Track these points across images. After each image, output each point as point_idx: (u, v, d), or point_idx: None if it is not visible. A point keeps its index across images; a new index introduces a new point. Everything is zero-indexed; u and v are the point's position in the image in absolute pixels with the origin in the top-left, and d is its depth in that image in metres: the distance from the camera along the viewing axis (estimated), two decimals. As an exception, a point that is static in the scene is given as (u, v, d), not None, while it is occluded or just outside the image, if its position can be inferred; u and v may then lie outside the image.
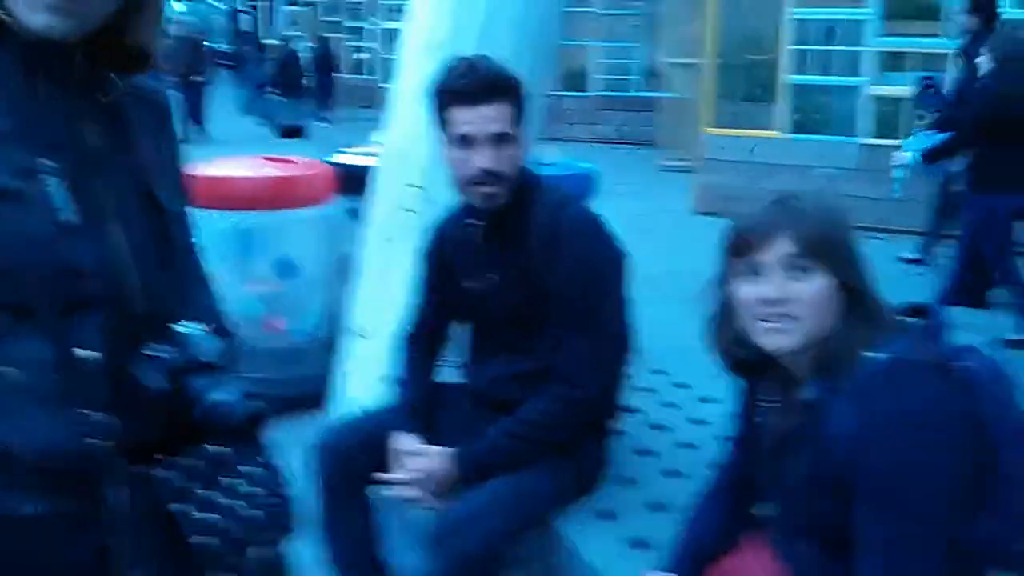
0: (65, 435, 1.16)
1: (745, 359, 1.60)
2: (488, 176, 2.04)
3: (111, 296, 1.18)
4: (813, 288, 1.48)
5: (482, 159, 2.03)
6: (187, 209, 1.40)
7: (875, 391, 1.45)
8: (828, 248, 1.48)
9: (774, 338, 1.51)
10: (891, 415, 1.43)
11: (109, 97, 1.23)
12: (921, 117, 6.60)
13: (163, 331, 1.21)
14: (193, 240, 1.44)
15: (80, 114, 1.20)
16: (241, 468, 1.30)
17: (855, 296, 1.50)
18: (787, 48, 8.66)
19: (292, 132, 14.70)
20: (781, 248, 1.48)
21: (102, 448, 1.17)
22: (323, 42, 18.08)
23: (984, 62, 5.04)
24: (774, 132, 8.85)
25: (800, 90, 8.80)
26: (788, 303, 1.48)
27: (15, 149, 1.13)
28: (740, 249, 1.52)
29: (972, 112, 4.97)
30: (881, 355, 1.46)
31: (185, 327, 1.22)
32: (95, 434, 1.16)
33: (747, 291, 1.52)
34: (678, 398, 2.89)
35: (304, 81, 16.47)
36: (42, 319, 1.14)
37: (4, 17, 1.11)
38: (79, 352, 1.15)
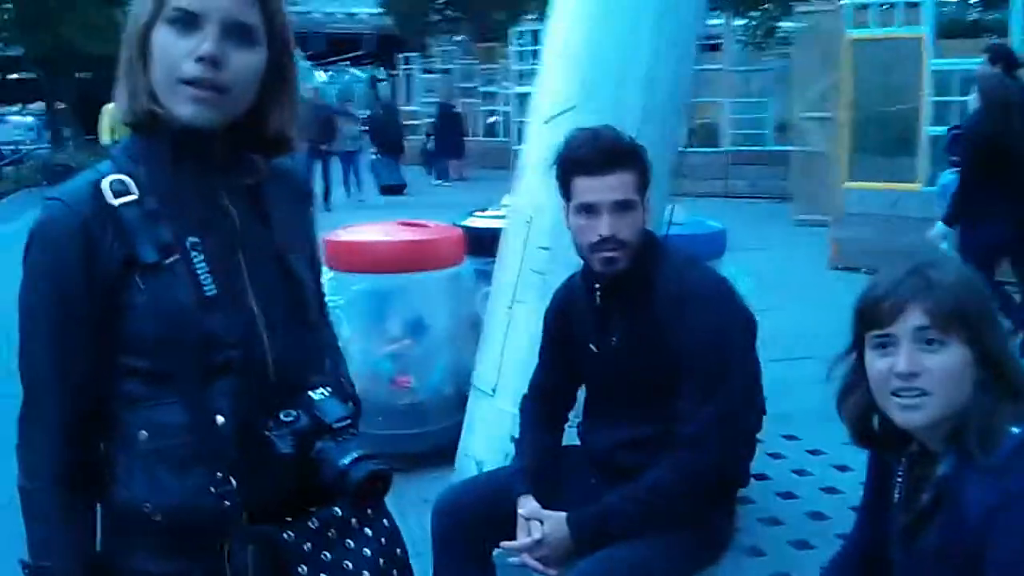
0: (195, 496, 1.23)
1: (876, 432, 1.56)
2: (609, 242, 2.07)
3: (246, 364, 1.26)
4: (947, 361, 1.43)
5: (603, 226, 2.06)
6: (321, 279, 1.48)
7: (1014, 465, 1.39)
8: (962, 320, 1.43)
9: (908, 414, 1.46)
10: None
11: (253, 179, 1.33)
12: (953, 163, 6.49)
13: (293, 396, 1.28)
14: (326, 308, 1.51)
15: (223, 193, 1.29)
16: (366, 531, 1.34)
17: (993, 368, 1.44)
18: (926, 99, 8.39)
19: (393, 190, 15.44)
20: (912, 320, 1.44)
21: (230, 509, 1.23)
22: (447, 107, 18.48)
23: (971, 103, 5.19)
24: (915, 185, 8.55)
25: (942, 142, 8.49)
26: (921, 377, 1.44)
27: (164, 227, 1.23)
28: (872, 320, 1.49)
29: (966, 158, 5.15)
30: (1019, 430, 1.40)
31: (314, 393, 1.29)
32: (224, 496, 1.23)
33: (879, 363, 1.48)
34: (810, 465, 2.79)
35: (403, 141, 17.26)
36: (181, 385, 1.23)
37: (157, 110, 1.22)
38: (214, 417, 1.23)
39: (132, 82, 1.23)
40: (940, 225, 5.21)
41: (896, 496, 1.60)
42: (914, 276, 1.47)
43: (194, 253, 1.24)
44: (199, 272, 1.23)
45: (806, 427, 3.23)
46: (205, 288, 1.23)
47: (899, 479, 1.60)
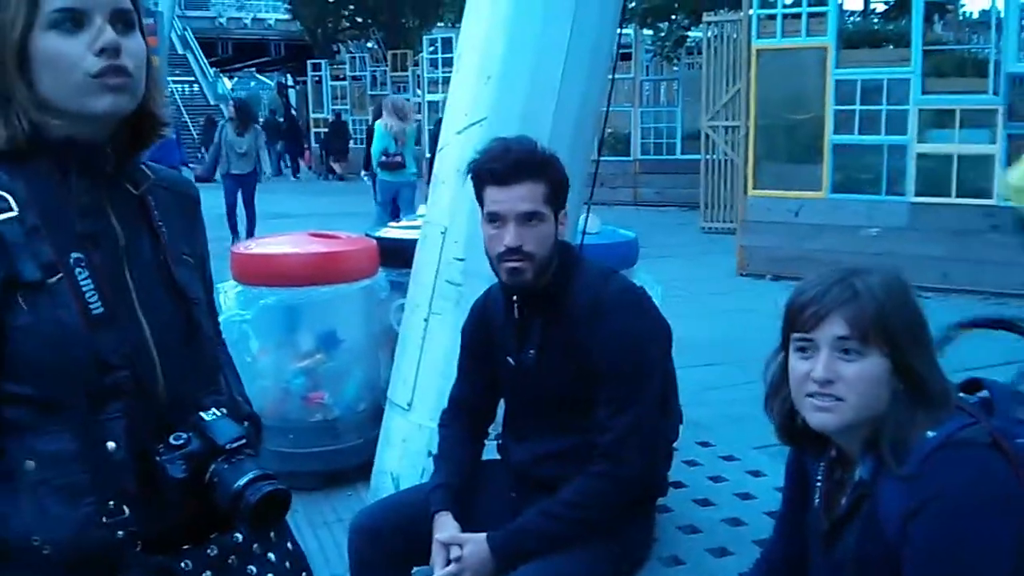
0: (86, 527, 1.16)
1: (798, 431, 1.58)
2: (515, 253, 2.06)
3: (136, 386, 1.20)
4: (863, 371, 1.45)
5: (509, 236, 2.05)
6: (212, 295, 1.43)
7: (926, 471, 1.41)
8: (883, 331, 1.45)
9: (820, 416, 1.49)
10: (941, 496, 1.39)
11: (140, 189, 1.28)
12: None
13: (185, 419, 1.22)
14: (217, 325, 1.46)
15: (109, 207, 1.23)
16: (269, 556, 1.30)
17: (911, 378, 1.47)
18: (830, 108, 8.65)
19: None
20: (833, 329, 1.46)
21: (123, 539, 1.17)
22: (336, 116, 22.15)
23: None
24: (819, 193, 8.81)
25: (844, 150, 8.78)
26: (836, 384, 1.46)
27: (45, 243, 1.16)
28: (796, 323, 1.51)
29: None
30: (934, 434, 1.43)
31: (205, 414, 1.24)
32: (116, 525, 1.16)
33: (799, 366, 1.50)
34: (724, 471, 2.82)
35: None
36: (69, 411, 1.16)
37: (51, 121, 1.17)
38: (105, 444, 1.16)
39: (4, 106, 1.16)
40: None
41: (816, 500, 1.62)
42: (840, 285, 1.49)
43: (79, 270, 1.17)
44: (85, 290, 1.16)
45: (719, 433, 3.27)
46: (92, 307, 1.16)
47: (818, 483, 1.62)
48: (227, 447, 1.20)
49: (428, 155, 13.06)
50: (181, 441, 1.19)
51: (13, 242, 1.14)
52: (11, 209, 1.15)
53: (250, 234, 10.11)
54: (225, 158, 10.53)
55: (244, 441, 1.22)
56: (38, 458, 1.16)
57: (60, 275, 1.16)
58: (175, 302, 1.28)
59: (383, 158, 9.81)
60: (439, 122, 13.16)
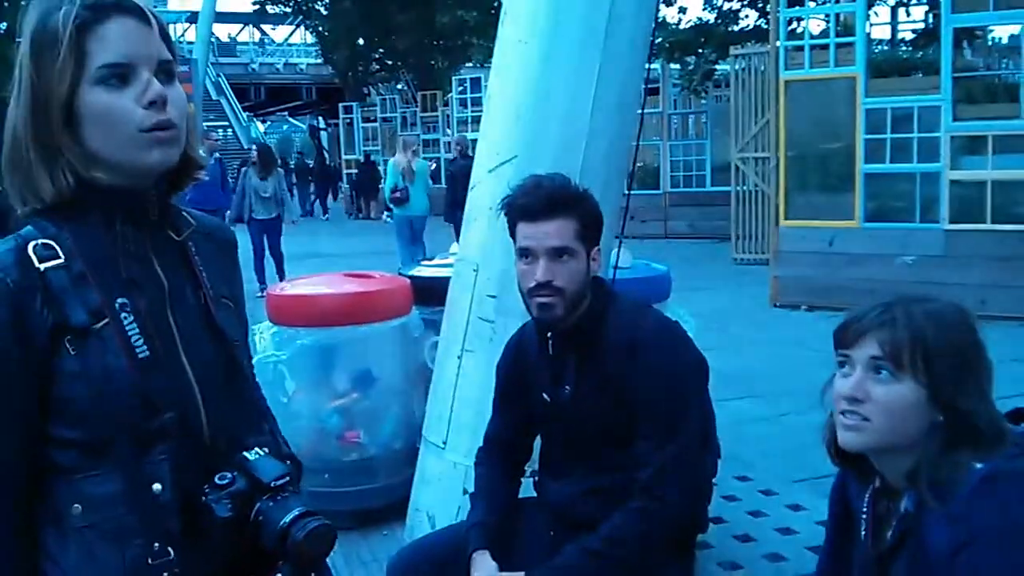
0: (133, 570, 1.17)
1: (842, 452, 1.57)
2: (545, 288, 2.06)
3: (182, 428, 1.21)
4: (893, 394, 1.45)
5: (539, 271, 2.06)
6: (248, 336, 1.45)
7: (974, 504, 1.39)
8: (920, 359, 1.44)
9: (846, 435, 1.50)
10: (990, 529, 1.37)
11: (182, 235, 1.30)
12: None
13: (229, 459, 1.24)
14: (252, 366, 1.48)
15: (153, 252, 1.26)
16: None
17: (951, 412, 1.44)
18: (860, 137, 8.61)
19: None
20: (867, 349, 1.47)
21: None
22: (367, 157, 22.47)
23: None
24: (852, 222, 8.74)
25: (876, 178, 8.71)
26: (864, 404, 1.47)
27: (92, 289, 1.18)
28: (838, 341, 1.53)
29: None
30: (980, 466, 1.41)
31: (249, 453, 1.25)
32: (163, 567, 1.17)
33: (838, 383, 1.51)
34: (764, 506, 2.78)
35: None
36: (116, 454, 1.18)
37: (99, 176, 1.20)
38: (151, 486, 1.18)
39: (50, 162, 1.18)
40: None
41: (863, 532, 1.59)
42: (882, 309, 1.50)
43: (124, 315, 1.19)
44: (131, 334, 1.18)
45: (757, 467, 3.24)
46: (138, 350, 1.18)
47: (864, 515, 1.60)
48: (272, 484, 1.21)
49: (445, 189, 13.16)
50: (226, 480, 1.21)
51: (60, 289, 1.16)
52: (58, 257, 1.18)
53: (280, 278, 9.96)
54: (248, 203, 10.46)
55: (288, 479, 1.24)
56: (86, 501, 1.18)
57: (106, 320, 1.18)
58: (217, 345, 1.30)
59: (393, 194, 10.72)
60: (452, 161, 13.44)
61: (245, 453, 1.25)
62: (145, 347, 1.19)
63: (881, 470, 1.53)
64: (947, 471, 1.42)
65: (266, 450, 1.27)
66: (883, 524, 1.55)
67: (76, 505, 1.18)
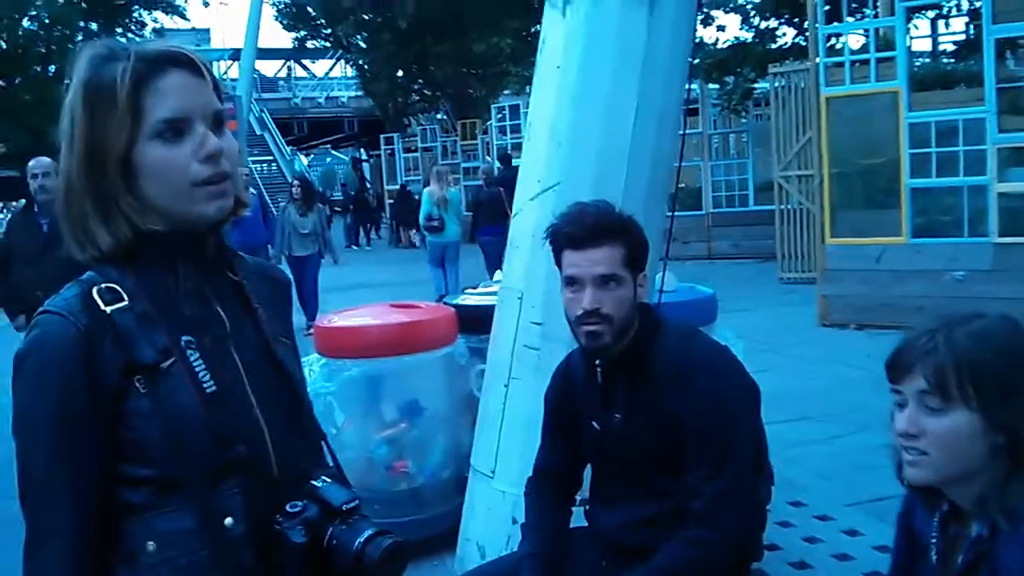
0: None
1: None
2: (593, 316, 2.05)
3: (252, 461, 1.23)
4: (947, 426, 1.41)
5: (586, 299, 2.05)
6: (302, 370, 1.47)
7: None
8: (966, 385, 1.40)
9: (909, 471, 1.47)
10: None
11: (239, 275, 1.33)
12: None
13: (297, 489, 1.25)
14: (311, 400, 1.49)
15: (212, 292, 1.28)
16: None
17: (1011, 434, 1.40)
18: (905, 152, 8.50)
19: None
20: (916, 383, 1.43)
21: None
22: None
23: None
24: (899, 238, 8.62)
25: (922, 193, 8.59)
26: (920, 438, 1.43)
27: (157, 329, 1.21)
28: (890, 376, 1.49)
29: None
30: None
31: (316, 481, 1.27)
32: None
33: (896, 418, 1.48)
34: (819, 532, 2.73)
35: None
36: (189, 489, 1.19)
37: (155, 227, 1.22)
38: (223, 520, 1.19)
39: (106, 212, 1.21)
40: None
41: (934, 557, 1.55)
42: (926, 336, 1.45)
43: (190, 352, 1.22)
44: (198, 370, 1.21)
45: (811, 491, 3.18)
46: (205, 386, 1.21)
47: (933, 540, 1.56)
48: (343, 508, 1.23)
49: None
50: (298, 508, 1.23)
51: (127, 330, 1.19)
52: (122, 299, 1.20)
53: (311, 318, 9.19)
54: (287, 239, 9.94)
55: (357, 502, 1.25)
56: (159, 538, 1.19)
57: (174, 359, 1.20)
58: (279, 380, 1.32)
59: (429, 222, 10.85)
60: (479, 188, 13.45)
61: (313, 481, 1.27)
62: (213, 383, 1.21)
63: (950, 496, 1.50)
64: (1017, 493, 1.38)
65: (331, 479, 1.29)
66: (953, 548, 1.51)
67: (150, 543, 1.19)
